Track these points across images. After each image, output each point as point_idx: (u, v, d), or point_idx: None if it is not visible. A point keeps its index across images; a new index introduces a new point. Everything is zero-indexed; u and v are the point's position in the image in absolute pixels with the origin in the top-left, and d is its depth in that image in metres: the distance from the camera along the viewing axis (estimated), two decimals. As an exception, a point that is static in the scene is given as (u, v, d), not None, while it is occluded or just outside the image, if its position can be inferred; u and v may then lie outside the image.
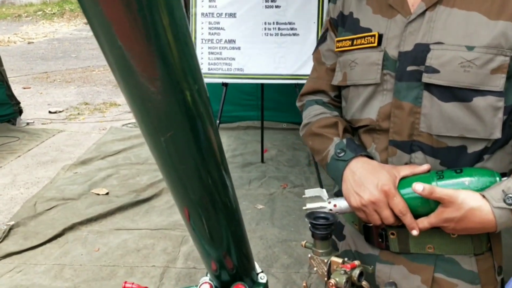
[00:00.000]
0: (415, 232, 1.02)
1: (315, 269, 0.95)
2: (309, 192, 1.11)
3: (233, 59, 3.81)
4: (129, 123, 6.20)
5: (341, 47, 1.21)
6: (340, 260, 0.91)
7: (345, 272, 0.88)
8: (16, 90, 6.37)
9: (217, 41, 3.81)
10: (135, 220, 3.61)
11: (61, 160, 4.90)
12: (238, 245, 0.97)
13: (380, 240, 1.15)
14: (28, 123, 6.15)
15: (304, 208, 1.11)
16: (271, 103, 5.17)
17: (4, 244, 3.26)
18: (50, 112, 6.79)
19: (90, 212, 3.66)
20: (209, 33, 3.79)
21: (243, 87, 5.26)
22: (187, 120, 0.64)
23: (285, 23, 3.72)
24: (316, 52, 1.33)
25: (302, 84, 4.25)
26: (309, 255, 0.96)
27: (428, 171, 1.04)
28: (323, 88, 1.31)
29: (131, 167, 4.63)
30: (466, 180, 0.97)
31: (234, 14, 3.75)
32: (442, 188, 0.96)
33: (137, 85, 0.57)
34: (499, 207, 0.94)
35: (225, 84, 3.94)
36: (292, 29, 3.71)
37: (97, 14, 0.49)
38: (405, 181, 1.02)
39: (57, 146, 5.34)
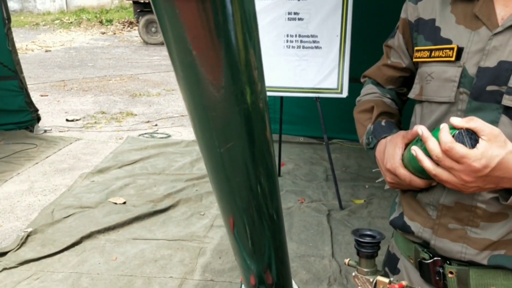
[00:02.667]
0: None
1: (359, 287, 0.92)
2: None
3: (254, 71, 3.81)
4: (145, 133, 6.22)
5: (419, 57, 1.11)
6: (386, 280, 0.88)
7: (392, 292, 0.85)
8: (34, 97, 6.43)
9: (239, 52, 3.81)
10: (152, 230, 3.59)
11: (79, 168, 4.92)
12: (280, 260, 0.95)
13: (437, 278, 1.08)
14: (45, 131, 6.19)
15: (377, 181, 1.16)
16: (288, 116, 5.15)
17: (22, 251, 3.26)
18: (67, 120, 6.83)
19: (107, 220, 3.66)
20: (231, 45, 3.80)
21: (261, 99, 5.26)
22: (247, 131, 0.63)
23: (307, 36, 3.71)
24: (386, 42, 1.28)
25: (323, 98, 4.20)
26: (353, 274, 0.93)
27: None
28: (378, 80, 1.30)
29: (148, 177, 4.63)
30: None
31: (257, 26, 3.75)
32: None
33: (202, 93, 0.56)
34: None
35: (245, 96, 3.94)
36: (314, 42, 3.71)
37: (173, 20, 0.48)
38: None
39: (74, 154, 5.36)
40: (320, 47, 3.72)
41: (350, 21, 3.66)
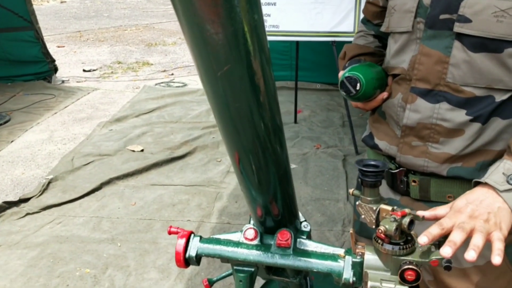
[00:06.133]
0: None
1: (362, 216, 0.93)
2: None
3: (268, 15, 3.73)
4: (162, 82, 6.22)
5: None
6: (389, 208, 0.88)
7: (395, 220, 0.86)
8: (51, 48, 6.44)
9: (253, -4, 3.72)
10: (170, 176, 3.66)
11: (97, 117, 4.98)
12: (285, 192, 0.96)
13: (402, 186, 1.21)
14: (63, 81, 6.24)
15: None
16: (305, 62, 5.08)
17: (44, 196, 3.36)
18: (84, 70, 6.86)
19: (126, 167, 3.73)
20: (245, -12, 3.71)
21: (277, 46, 5.19)
22: (244, 53, 0.62)
23: (323, -22, 3.60)
24: None
25: (340, 42, 4.13)
26: (357, 203, 0.93)
27: None
28: (367, 16, 1.40)
29: (164, 125, 4.67)
30: None
31: (271, -32, 3.65)
32: (440, 208, 0.94)
33: (197, 12, 0.55)
34: (506, 190, 0.92)
35: (259, 42, 3.88)
36: (330, -17, 3.60)
37: None
38: None
39: (92, 104, 5.42)
40: (336, -11, 3.61)
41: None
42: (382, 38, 1.36)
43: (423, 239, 0.82)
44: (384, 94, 1.22)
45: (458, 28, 1.02)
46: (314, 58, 5.31)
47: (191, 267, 2.60)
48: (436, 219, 0.93)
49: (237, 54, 0.62)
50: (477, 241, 0.82)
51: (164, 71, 6.85)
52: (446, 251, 0.79)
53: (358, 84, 1.16)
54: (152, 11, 12.10)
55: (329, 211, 3.14)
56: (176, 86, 6.07)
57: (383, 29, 1.25)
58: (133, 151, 4.07)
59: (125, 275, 2.56)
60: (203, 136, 4.37)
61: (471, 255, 0.78)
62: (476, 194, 0.93)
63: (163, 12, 11.98)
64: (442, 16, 1.04)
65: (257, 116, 0.74)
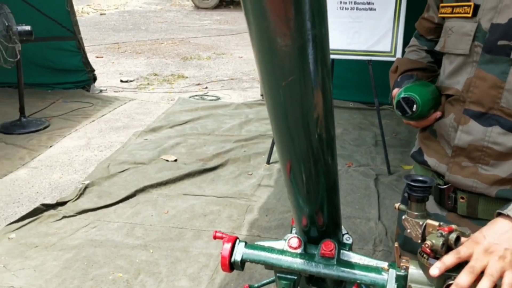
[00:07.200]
0: None
1: (408, 231, 0.94)
2: None
3: (306, 33, 3.78)
4: (196, 95, 6.32)
5: (443, 13, 1.23)
6: (436, 223, 0.89)
7: (442, 235, 0.87)
8: (90, 58, 6.61)
9: (291, 14, 3.78)
10: (202, 187, 3.70)
11: (132, 126, 5.09)
12: (331, 203, 0.98)
13: (449, 202, 1.22)
14: (101, 90, 6.40)
15: None
16: (338, 80, 5.10)
17: (80, 201, 3.45)
18: (121, 81, 7.02)
19: (159, 176, 3.80)
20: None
21: (312, 63, 5.22)
22: (309, 65, 0.65)
23: (362, -3, 3.64)
24: None
25: (375, 62, 4.11)
26: (403, 217, 0.95)
27: None
28: (420, 31, 1.42)
29: (198, 137, 4.74)
30: None
31: (310, -14, 3.70)
32: (460, 249, 0.87)
33: (270, 26, 0.58)
34: None
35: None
36: (369, 3, 3.63)
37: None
38: None
39: (128, 113, 5.54)
40: (375, 9, 3.64)
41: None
42: (435, 54, 1.37)
43: (433, 271, 0.82)
44: (438, 114, 1.23)
45: None
46: (348, 77, 5.32)
47: (221, 277, 2.63)
48: None
49: (302, 66, 0.65)
50: (483, 287, 0.81)
51: (199, 84, 6.96)
52: None
53: (415, 106, 1.17)
54: (188, 26, 12.33)
55: (360, 230, 3.13)
56: (210, 100, 6.16)
57: (438, 48, 1.27)
58: (167, 160, 4.14)
59: (156, 281, 2.60)
60: (235, 149, 4.42)
61: None
62: (497, 226, 0.92)
63: (199, 27, 12.20)
64: (500, 42, 1.06)
65: (313, 126, 0.76)
